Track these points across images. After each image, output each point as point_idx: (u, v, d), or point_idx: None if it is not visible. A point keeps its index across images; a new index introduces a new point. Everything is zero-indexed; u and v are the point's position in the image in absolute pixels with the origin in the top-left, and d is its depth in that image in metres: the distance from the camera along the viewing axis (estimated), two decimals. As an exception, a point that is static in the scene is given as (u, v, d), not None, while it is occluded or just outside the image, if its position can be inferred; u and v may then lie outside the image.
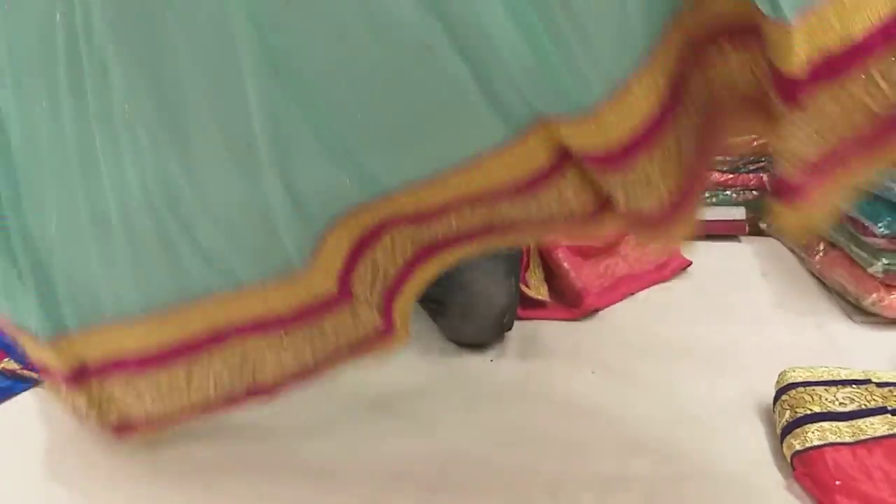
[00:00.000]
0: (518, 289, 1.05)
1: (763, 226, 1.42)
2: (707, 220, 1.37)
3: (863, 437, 0.74)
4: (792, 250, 1.30)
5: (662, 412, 0.86)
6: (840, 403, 0.78)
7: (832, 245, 1.18)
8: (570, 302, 1.12)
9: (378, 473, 0.77)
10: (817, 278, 1.20)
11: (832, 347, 1.00)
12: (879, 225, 1.04)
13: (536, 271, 1.14)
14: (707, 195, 1.50)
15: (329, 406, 0.87)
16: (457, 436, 0.83)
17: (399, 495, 0.74)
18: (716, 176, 1.49)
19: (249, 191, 0.61)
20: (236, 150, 0.60)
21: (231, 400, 0.75)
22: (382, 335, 0.72)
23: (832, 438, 0.73)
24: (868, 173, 0.52)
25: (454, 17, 0.51)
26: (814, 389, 0.78)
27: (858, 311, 1.08)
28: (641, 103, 0.52)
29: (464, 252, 0.70)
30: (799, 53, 0.45)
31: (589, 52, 0.50)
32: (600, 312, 1.11)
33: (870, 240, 1.06)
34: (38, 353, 0.74)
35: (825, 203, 0.53)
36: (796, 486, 0.73)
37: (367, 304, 0.70)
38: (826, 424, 0.75)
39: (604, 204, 0.62)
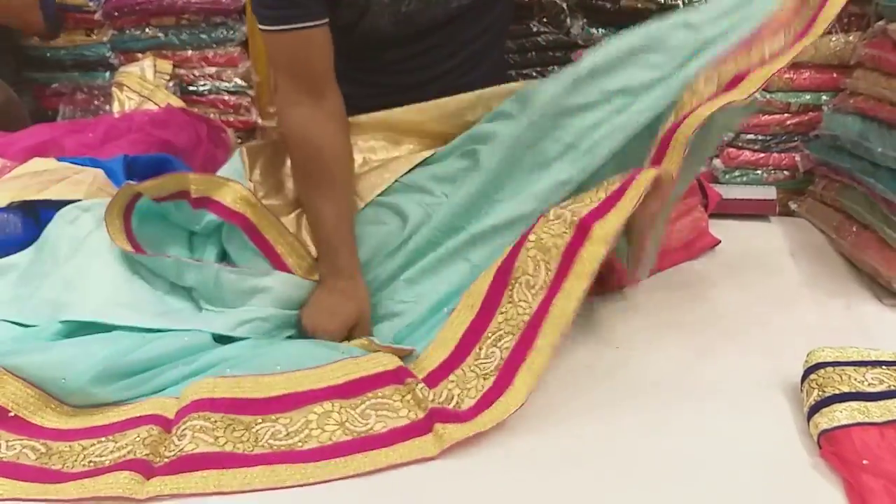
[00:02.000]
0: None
1: (794, 206, 1.41)
2: (737, 200, 1.36)
3: (891, 418, 0.74)
4: (822, 231, 1.29)
5: (688, 389, 0.87)
6: (869, 384, 0.77)
7: (864, 227, 1.17)
8: (596, 278, 1.11)
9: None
10: (847, 259, 1.19)
11: (861, 329, 0.99)
12: (914, 207, 1.03)
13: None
14: (738, 174, 1.49)
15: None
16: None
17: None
18: (747, 155, 1.48)
19: None
20: None
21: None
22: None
23: (860, 418, 0.73)
24: None
25: None
26: (843, 369, 0.78)
27: (889, 293, 1.07)
28: None
29: None
30: None
31: None
32: (627, 288, 1.11)
33: (903, 221, 1.05)
34: None
35: None
36: (822, 465, 0.73)
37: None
38: (854, 404, 0.75)
39: None
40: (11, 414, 0.79)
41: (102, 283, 0.96)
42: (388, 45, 1.08)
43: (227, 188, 1.01)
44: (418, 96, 1.09)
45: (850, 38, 1.36)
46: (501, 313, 0.86)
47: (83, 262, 0.98)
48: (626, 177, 0.87)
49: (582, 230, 0.84)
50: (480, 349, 0.85)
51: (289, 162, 1.08)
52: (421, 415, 0.79)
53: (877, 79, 1.20)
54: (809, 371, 0.80)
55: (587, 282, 0.82)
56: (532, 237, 0.87)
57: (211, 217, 1.01)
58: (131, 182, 0.99)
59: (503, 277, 0.88)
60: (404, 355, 0.89)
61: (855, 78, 1.28)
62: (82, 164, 1.17)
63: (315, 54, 0.98)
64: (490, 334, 0.86)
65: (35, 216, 1.08)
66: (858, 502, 0.67)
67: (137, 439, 0.76)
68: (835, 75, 1.38)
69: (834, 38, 1.36)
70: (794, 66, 1.40)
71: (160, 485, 0.70)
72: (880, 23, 1.23)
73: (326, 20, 0.97)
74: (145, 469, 0.72)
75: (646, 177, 0.85)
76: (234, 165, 1.11)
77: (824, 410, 0.75)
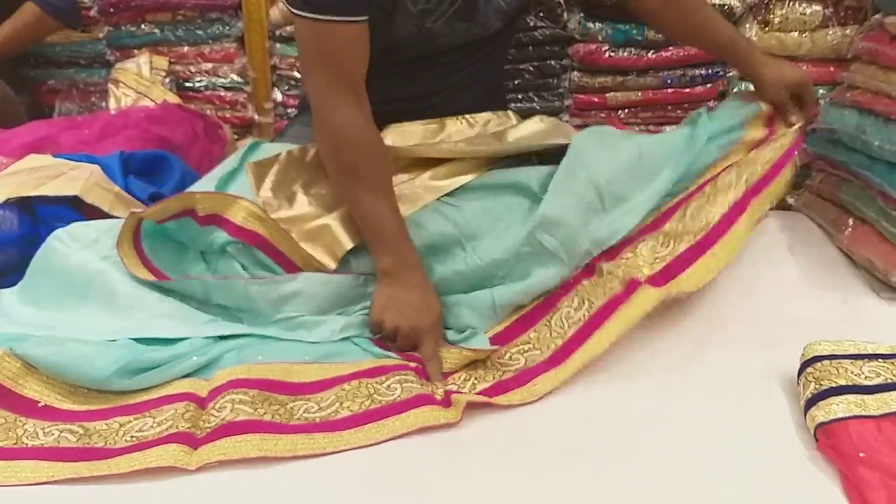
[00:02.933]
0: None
1: (791, 201, 1.40)
2: (734, 194, 1.35)
3: (888, 411, 0.74)
4: (820, 225, 1.29)
5: (685, 382, 0.87)
6: (866, 377, 0.78)
7: (861, 220, 1.17)
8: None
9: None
10: (844, 254, 1.19)
11: (858, 322, 0.99)
12: (911, 200, 1.03)
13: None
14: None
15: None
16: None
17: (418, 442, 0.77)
18: (744, 149, 1.47)
19: None
20: None
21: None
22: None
23: (857, 411, 0.74)
24: None
25: None
26: (840, 363, 0.78)
27: (886, 287, 1.07)
28: None
29: None
30: None
31: None
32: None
33: (900, 215, 1.05)
34: None
35: None
36: (819, 458, 0.73)
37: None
38: (851, 397, 0.75)
39: None
40: (41, 404, 0.81)
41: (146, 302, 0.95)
42: (405, 58, 1.07)
43: (236, 206, 0.99)
44: (409, 107, 1.10)
45: (847, 31, 1.36)
46: (535, 331, 0.94)
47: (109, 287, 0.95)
48: (673, 258, 0.98)
49: (630, 287, 0.93)
50: (506, 353, 0.92)
51: (301, 175, 1.06)
52: (439, 397, 0.84)
53: (874, 72, 1.20)
54: (806, 364, 0.80)
55: (627, 326, 0.90)
56: (585, 283, 0.97)
57: (218, 234, 0.99)
58: (135, 210, 0.97)
59: (548, 306, 0.96)
60: (481, 357, 0.91)
61: (852, 71, 1.28)
62: (78, 161, 1.17)
63: (349, 52, 0.96)
64: (520, 343, 0.93)
65: (31, 213, 1.07)
66: (855, 495, 0.67)
67: (176, 414, 0.78)
68: (832, 69, 1.38)
69: (831, 32, 1.36)
70: (792, 59, 1.40)
71: (207, 452, 0.73)
72: (877, 16, 1.22)
73: (364, 18, 0.95)
74: (190, 441, 0.75)
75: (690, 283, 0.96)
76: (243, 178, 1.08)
77: (821, 403, 0.75)
